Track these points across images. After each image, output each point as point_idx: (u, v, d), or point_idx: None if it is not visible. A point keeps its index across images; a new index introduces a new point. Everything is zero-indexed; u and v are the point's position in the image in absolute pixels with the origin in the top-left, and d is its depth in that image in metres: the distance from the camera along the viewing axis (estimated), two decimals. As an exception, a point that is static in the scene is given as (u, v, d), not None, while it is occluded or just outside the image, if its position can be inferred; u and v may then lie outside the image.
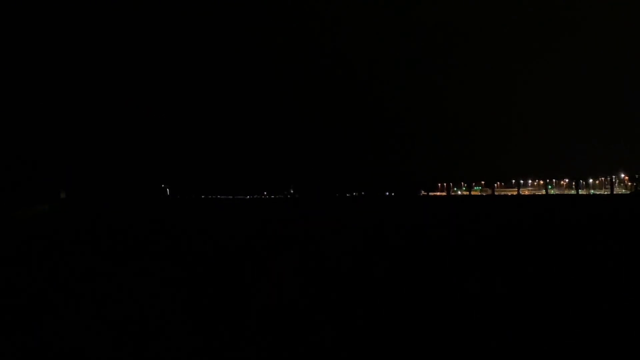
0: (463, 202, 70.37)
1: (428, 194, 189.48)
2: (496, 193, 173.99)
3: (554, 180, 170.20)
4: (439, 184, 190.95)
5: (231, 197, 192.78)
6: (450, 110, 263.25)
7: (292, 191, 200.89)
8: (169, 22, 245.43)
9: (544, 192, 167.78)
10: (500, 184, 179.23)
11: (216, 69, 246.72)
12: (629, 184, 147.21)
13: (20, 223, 31.42)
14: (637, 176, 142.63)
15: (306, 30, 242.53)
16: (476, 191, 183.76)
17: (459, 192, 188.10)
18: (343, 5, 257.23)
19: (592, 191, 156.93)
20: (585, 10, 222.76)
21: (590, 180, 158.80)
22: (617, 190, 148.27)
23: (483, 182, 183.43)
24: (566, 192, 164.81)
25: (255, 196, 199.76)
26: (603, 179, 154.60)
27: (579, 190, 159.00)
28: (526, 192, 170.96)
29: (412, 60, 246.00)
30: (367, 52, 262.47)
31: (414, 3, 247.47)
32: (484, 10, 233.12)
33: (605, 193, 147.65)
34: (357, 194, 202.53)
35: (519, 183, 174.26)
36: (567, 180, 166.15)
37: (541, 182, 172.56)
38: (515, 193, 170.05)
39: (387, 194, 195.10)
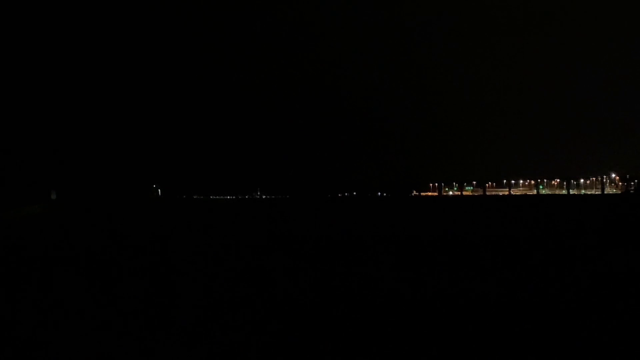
0: (454, 204, 70.07)
1: (420, 194, 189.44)
2: (487, 193, 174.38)
3: (545, 180, 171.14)
4: (431, 184, 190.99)
5: (222, 197, 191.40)
6: (442, 110, 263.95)
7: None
8: (156, 28, 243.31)
9: (535, 192, 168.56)
10: (492, 184, 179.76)
11: (209, 69, 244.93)
12: (620, 184, 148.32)
13: (13, 224, 30.43)
14: (628, 176, 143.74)
15: (294, 29, 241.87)
16: (468, 191, 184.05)
17: (451, 193, 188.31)
18: (335, 5, 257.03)
19: (583, 191, 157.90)
20: (576, 11, 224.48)
21: (582, 181, 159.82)
22: (608, 190, 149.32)
23: (474, 182, 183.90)
24: (557, 192, 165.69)
25: (244, 196, 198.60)
26: (594, 179, 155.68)
27: (570, 190, 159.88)
28: (517, 192, 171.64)
29: (403, 60, 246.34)
30: (358, 53, 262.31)
31: (405, 4, 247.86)
32: (477, 9, 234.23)
33: (596, 193, 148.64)
34: (348, 194, 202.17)
35: (510, 183, 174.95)
36: (558, 180, 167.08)
37: (532, 182, 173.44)
38: (506, 193, 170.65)
39: (379, 194, 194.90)
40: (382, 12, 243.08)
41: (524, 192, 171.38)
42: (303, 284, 8.85)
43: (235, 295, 8.03)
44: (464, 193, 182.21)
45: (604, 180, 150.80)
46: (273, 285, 8.80)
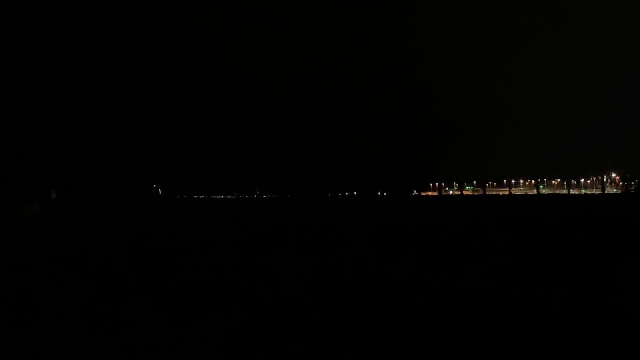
0: (453, 203, 69.91)
1: (420, 193, 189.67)
2: (488, 193, 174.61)
3: (545, 180, 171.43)
4: (431, 184, 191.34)
5: (222, 197, 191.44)
6: (443, 110, 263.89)
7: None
8: (156, 28, 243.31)
9: (535, 191, 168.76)
10: (492, 183, 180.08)
11: (209, 68, 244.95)
12: (620, 183, 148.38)
13: (13, 223, 30.48)
14: (628, 176, 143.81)
15: (295, 26, 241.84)
16: (468, 191, 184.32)
17: (451, 192, 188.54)
18: (334, 3, 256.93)
19: (584, 191, 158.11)
20: (577, 12, 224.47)
21: (582, 180, 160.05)
22: (608, 190, 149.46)
23: (475, 182, 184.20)
24: (557, 191, 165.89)
25: (242, 196, 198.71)
26: (594, 178, 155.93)
27: (570, 190, 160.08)
28: (518, 192, 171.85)
29: (403, 60, 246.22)
30: (359, 53, 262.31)
31: (405, 4, 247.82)
32: (477, 11, 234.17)
33: (597, 193, 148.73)
34: (348, 193, 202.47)
35: (511, 183, 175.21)
36: (558, 180, 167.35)
37: (532, 182, 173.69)
38: (507, 193, 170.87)
39: (380, 193, 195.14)
40: (381, 12, 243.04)
41: (524, 192, 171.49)
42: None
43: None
44: (464, 192, 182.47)
45: (604, 180, 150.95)
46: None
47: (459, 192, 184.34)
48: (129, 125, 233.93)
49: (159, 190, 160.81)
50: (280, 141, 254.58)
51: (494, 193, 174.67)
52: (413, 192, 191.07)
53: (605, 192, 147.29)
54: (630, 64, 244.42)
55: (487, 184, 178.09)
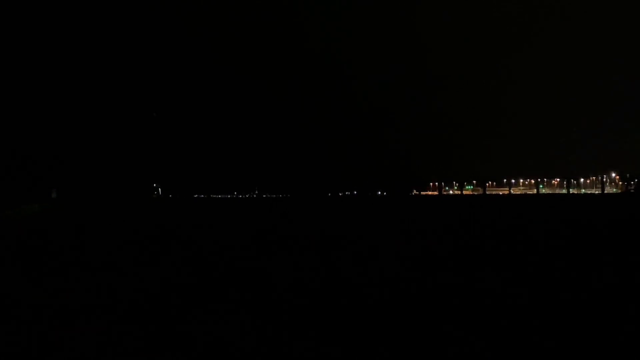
0: (453, 203, 69.65)
1: (420, 193, 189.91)
2: (487, 192, 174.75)
3: (545, 179, 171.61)
4: (431, 183, 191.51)
5: (223, 196, 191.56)
6: (443, 110, 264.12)
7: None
8: (156, 28, 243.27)
9: (535, 191, 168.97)
10: (492, 183, 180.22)
11: (209, 68, 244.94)
12: (620, 183, 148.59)
13: (12, 223, 30.47)
14: (628, 175, 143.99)
15: (294, 26, 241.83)
16: (468, 190, 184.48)
17: (451, 192, 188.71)
18: (334, 2, 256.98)
19: (584, 190, 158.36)
20: (577, 12, 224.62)
21: (582, 180, 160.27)
22: (608, 189, 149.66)
23: (475, 182, 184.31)
24: (557, 191, 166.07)
25: (239, 195, 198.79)
26: (594, 178, 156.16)
27: (570, 190, 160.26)
28: (517, 192, 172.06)
29: (403, 60, 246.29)
30: (358, 52, 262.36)
31: (405, 4, 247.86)
32: (477, 11, 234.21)
33: (596, 192, 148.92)
34: (349, 193, 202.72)
35: (511, 182, 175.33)
36: (558, 179, 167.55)
37: (532, 181, 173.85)
38: (506, 192, 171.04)
39: (379, 193, 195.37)
40: (382, 12, 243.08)
41: (524, 192, 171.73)
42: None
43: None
44: (464, 192, 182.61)
45: (604, 179, 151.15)
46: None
47: (459, 192, 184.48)
48: (129, 125, 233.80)
49: (159, 189, 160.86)
50: (280, 141, 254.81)
51: (493, 193, 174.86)
52: (413, 191, 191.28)
53: (605, 191, 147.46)
54: (630, 64, 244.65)
55: (487, 184, 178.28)
